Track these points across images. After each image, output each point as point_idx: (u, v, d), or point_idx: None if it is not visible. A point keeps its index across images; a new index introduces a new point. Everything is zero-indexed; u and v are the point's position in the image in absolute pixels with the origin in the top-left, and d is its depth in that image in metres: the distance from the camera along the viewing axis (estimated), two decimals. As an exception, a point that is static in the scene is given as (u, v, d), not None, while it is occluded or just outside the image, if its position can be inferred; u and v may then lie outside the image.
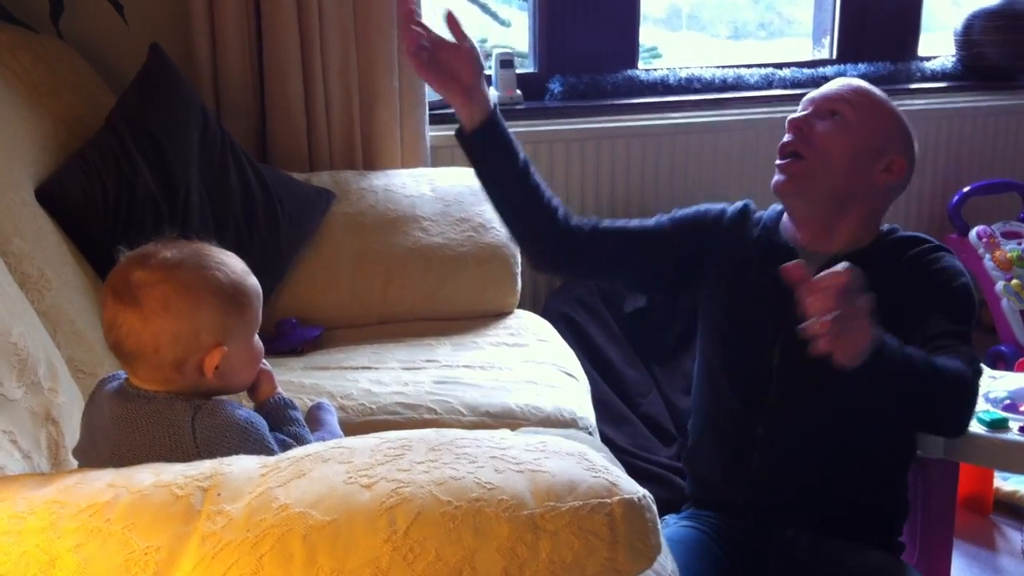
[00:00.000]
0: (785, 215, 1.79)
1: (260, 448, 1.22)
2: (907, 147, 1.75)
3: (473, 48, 1.69)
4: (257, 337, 1.33)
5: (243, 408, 1.27)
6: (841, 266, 1.36)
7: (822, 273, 1.36)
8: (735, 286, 1.78)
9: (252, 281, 1.30)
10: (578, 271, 2.02)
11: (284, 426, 1.34)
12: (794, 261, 1.39)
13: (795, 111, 1.76)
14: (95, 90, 2.31)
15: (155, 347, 1.22)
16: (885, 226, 1.78)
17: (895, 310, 1.61)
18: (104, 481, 1.05)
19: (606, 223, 1.87)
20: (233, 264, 1.28)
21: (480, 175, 1.79)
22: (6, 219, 1.72)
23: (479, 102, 1.70)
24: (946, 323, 1.61)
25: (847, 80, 1.77)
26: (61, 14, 2.37)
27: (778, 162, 1.72)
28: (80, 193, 1.95)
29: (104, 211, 1.98)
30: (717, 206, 1.87)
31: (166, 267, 1.23)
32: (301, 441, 1.33)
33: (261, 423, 1.27)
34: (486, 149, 1.74)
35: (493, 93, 1.73)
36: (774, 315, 1.70)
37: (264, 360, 1.37)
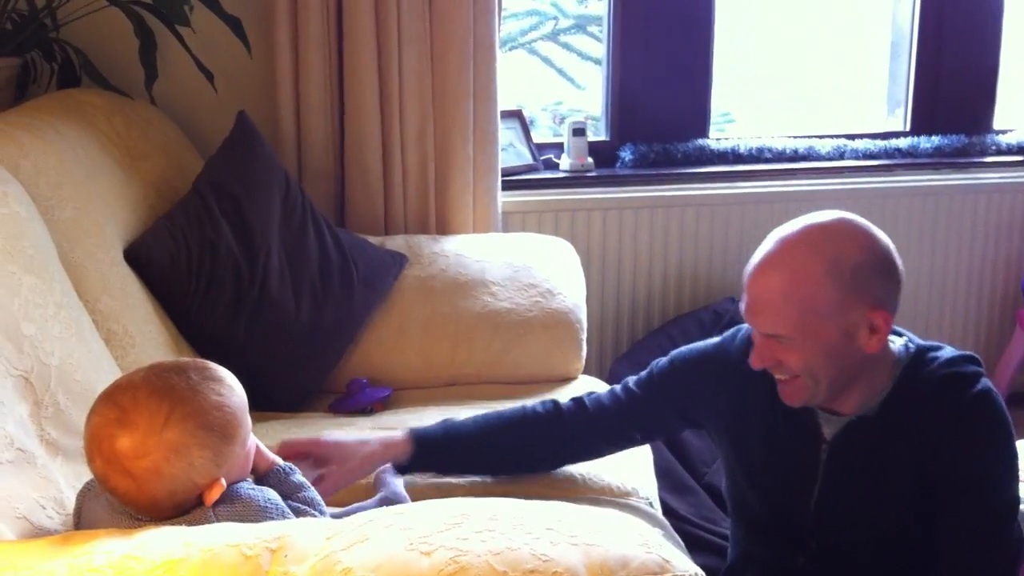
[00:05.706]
0: None
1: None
2: (870, 288, 1.51)
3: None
4: (252, 435, 1.32)
5: (255, 488, 1.30)
6: None
7: None
8: (753, 436, 1.69)
9: (236, 399, 1.28)
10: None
11: (294, 494, 1.36)
12: None
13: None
14: (184, 154, 2.41)
15: (151, 502, 1.24)
16: (911, 342, 1.62)
17: (926, 470, 1.55)
18: (180, 539, 1.11)
19: (592, 410, 1.83)
20: (214, 397, 1.25)
21: (462, 472, 1.81)
22: (96, 278, 1.81)
23: (395, 452, 1.72)
24: (971, 517, 1.53)
25: (753, 279, 1.56)
26: (155, 80, 2.48)
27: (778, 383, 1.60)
28: (166, 254, 2.04)
29: (187, 272, 2.06)
30: (711, 348, 1.78)
31: (152, 431, 1.21)
32: (312, 504, 1.35)
33: (276, 498, 1.29)
34: (438, 460, 1.78)
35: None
36: (805, 467, 1.64)
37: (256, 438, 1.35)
